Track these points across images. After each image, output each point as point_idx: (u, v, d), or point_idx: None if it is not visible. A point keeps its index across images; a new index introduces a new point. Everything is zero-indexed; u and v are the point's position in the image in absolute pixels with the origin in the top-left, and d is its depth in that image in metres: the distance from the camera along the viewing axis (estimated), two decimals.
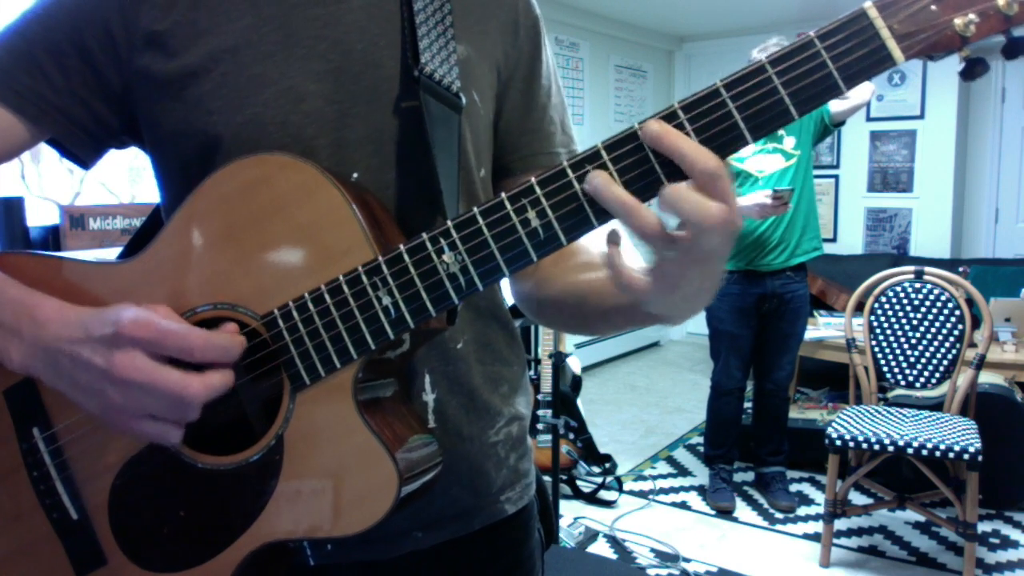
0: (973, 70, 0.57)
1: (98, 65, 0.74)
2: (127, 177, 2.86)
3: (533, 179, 0.61)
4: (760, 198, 3.01)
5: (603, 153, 0.59)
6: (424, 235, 0.63)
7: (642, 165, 0.58)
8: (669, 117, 0.58)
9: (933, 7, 0.55)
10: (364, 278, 0.65)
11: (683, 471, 3.91)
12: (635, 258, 0.64)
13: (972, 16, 0.55)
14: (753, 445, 3.60)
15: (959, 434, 2.69)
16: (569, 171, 0.60)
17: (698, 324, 6.07)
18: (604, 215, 0.60)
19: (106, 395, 0.63)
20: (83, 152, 0.78)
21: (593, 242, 0.82)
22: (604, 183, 0.57)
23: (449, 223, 0.63)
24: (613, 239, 0.59)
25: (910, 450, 2.66)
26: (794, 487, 3.60)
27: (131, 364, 0.62)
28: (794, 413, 4.01)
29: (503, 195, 0.61)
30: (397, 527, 0.79)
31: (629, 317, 0.72)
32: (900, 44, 0.55)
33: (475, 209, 0.62)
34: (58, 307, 0.67)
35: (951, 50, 0.56)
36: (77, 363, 0.64)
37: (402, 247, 0.64)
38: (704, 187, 0.55)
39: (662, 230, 0.56)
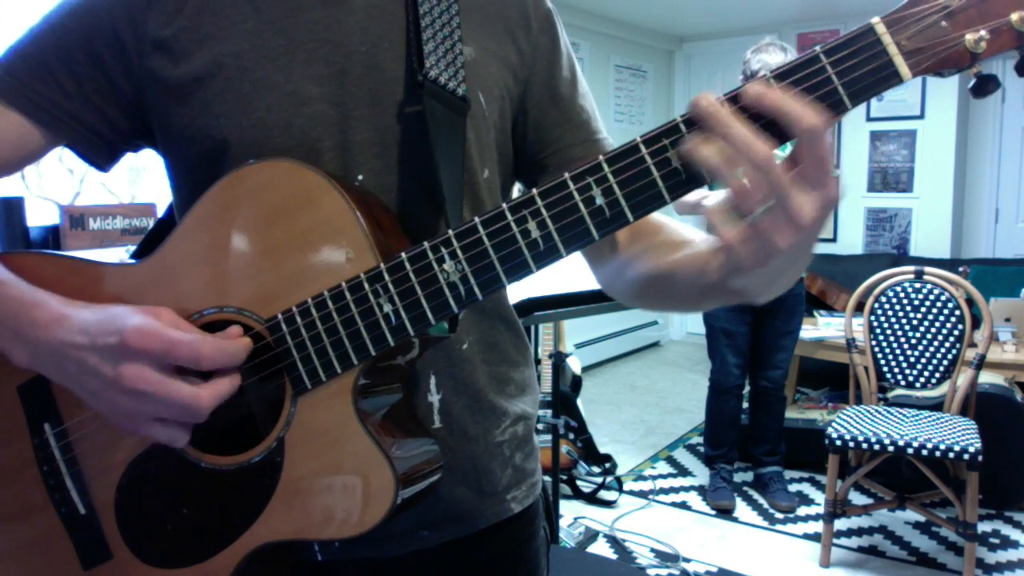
0: (984, 87, 0.55)
1: (109, 71, 0.75)
2: (127, 177, 2.86)
3: (534, 190, 0.61)
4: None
5: (604, 166, 0.59)
6: (425, 244, 0.64)
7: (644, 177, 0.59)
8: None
9: (943, 23, 0.53)
10: (366, 285, 0.65)
11: (683, 471, 3.91)
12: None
13: (983, 33, 0.53)
14: (749, 445, 3.61)
15: (959, 434, 2.69)
16: (570, 183, 0.60)
17: (697, 324, 6.07)
18: (604, 227, 0.60)
19: (116, 402, 0.64)
20: (98, 157, 0.79)
21: (666, 219, 0.81)
22: (714, 109, 0.54)
23: (450, 232, 0.63)
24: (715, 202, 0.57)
25: (910, 450, 2.66)
26: (794, 487, 3.60)
27: (140, 376, 0.63)
28: (794, 413, 4.01)
29: (504, 205, 0.62)
30: (403, 526, 0.79)
31: (716, 291, 0.68)
32: (908, 61, 0.54)
33: (476, 219, 0.62)
34: (57, 308, 0.67)
35: (960, 67, 0.54)
36: (84, 369, 0.65)
37: (403, 255, 0.64)
38: (806, 145, 0.53)
39: (775, 161, 0.54)
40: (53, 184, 2.63)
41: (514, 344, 0.88)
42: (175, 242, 0.71)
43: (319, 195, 0.67)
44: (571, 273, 2.15)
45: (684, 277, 0.71)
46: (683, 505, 3.51)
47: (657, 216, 0.82)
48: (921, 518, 3.19)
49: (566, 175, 0.60)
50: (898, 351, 3.12)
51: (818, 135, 0.53)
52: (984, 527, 3.15)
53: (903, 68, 0.54)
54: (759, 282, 0.59)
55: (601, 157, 0.59)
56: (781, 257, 0.56)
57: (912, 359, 3.10)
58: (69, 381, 0.67)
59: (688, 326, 6.97)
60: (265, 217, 0.68)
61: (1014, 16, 0.53)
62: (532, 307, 2.28)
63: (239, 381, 0.66)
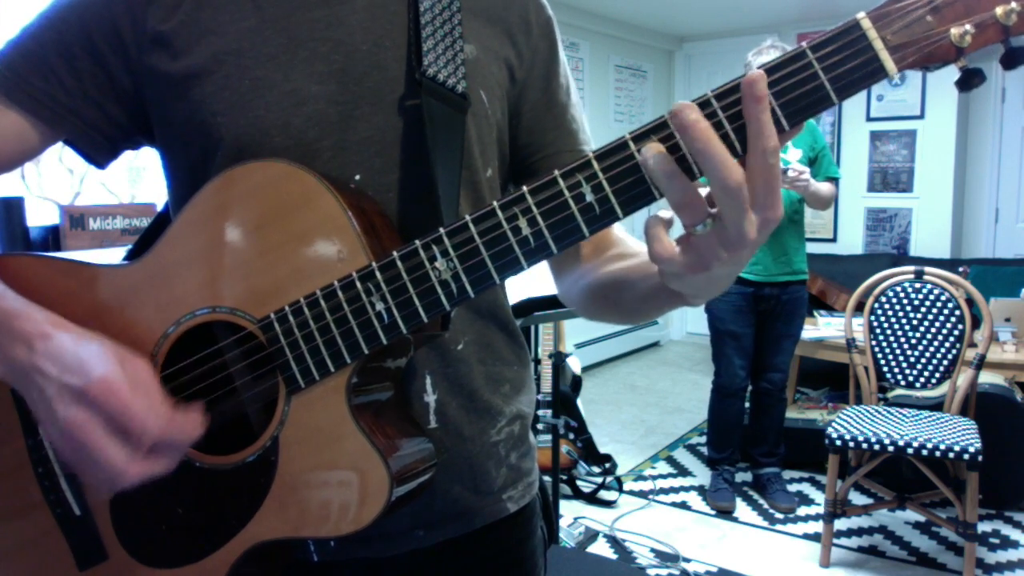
0: (970, 81, 0.55)
1: (109, 66, 0.75)
2: (127, 177, 2.86)
3: (525, 188, 0.61)
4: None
5: (594, 163, 0.59)
6: (417, 242, 0.64)
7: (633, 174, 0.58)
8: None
9: (928, 18, 0.54)
10: (358, 284, 0.65)
11: (683, 471, 3.91)
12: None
13: (968, 27, 0.53)
14: (748, 445, 3.61)
15: (959, 434, 2.69)
16: (560, 180, 0.60)
17: (697, 324, 6.07)
18: (595, 223, 0.60)
19: (57, 439, 0.63)
20: (98, 153, 0.79)
21: (624, 234, 0.83)
22: (700, 126, 0.54)
23: (442, 230, 0.63)
24: (663, 215, 0.58)
25: (910, 450, 2.66)
26: (794, 487, 3.60)
27: (84, 427, 0.61)
28: (794, 413, 4.01)
29: (494, 203, 0.62)
30: (398, 526, 0.79)
31: (657, 299, 0.70)
32: (893, 56, 0.54)
33: (467, 217, 0.63)
34: (41, 324, 0.66)
35: (947, 61, 0.55)
36: (42, 398, 0.64)
37: (395, 254, 0.65)
38: (755, 163, 0.54)
39: (744, 181, 0.54)
40: (53, 184, 2.63)
41: (510, 344, 0.88)
42: (168, 242, 0.72)
43: (313, 197, 0.67)
44: None
45: (629, 284, 0.72)
46: (683, 505, 3.51)
47: (618, 230, 0.83)
48: (921, 518, 3.19)
49: (556, 173, 0.60)
50: (898, 351, 3.12)
51: (771, 155, 0.53)
52: (984, 527, 3.14)
53: (888, 63, 0.54)
54: (697, 287, 0.60)
55: (591, 154, 0.59)
56: (720, 267, 0.57)
57: (912, 359, 3.10)
58: (29, 400, 0.66)
59: (688, 326, 6.97)
60: (259, 218, 0.68)
61: (999, 10, 0.53)
62: (532, 307, 2.28)
63: (175, 464, 0.65)
